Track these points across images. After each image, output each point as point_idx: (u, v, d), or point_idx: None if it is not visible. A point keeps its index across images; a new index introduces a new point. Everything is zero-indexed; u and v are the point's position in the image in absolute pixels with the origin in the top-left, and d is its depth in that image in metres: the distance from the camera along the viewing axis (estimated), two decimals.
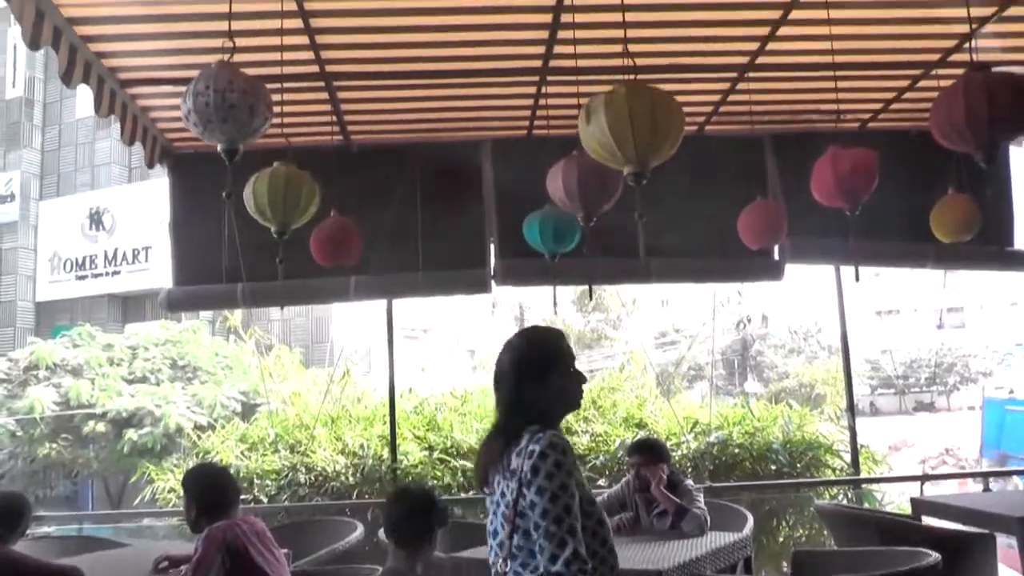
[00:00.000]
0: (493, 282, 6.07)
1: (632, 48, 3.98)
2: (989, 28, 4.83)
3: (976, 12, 4.55)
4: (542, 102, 5.57)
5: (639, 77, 5.10)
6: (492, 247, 6.12)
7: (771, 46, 5.03)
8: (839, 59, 4.91)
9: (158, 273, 17.62)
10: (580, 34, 4.56)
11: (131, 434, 14.03)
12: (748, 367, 38.98)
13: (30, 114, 21.62)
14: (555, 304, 5.65)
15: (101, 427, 14.34)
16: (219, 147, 3.41)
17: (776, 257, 6.19)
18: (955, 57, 5.19)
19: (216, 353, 16.16)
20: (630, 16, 3.98)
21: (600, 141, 3.09)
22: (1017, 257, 6.50)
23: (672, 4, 4.59)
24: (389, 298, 6.36)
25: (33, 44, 4.18)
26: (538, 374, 2.49)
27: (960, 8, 4.28)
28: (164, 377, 15.22)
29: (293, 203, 4.02)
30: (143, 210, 18.54)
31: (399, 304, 6.76)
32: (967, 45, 4.96)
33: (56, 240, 20.47)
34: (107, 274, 19.80)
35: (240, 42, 4.50)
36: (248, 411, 14.74)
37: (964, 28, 4.69)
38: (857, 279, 4.70)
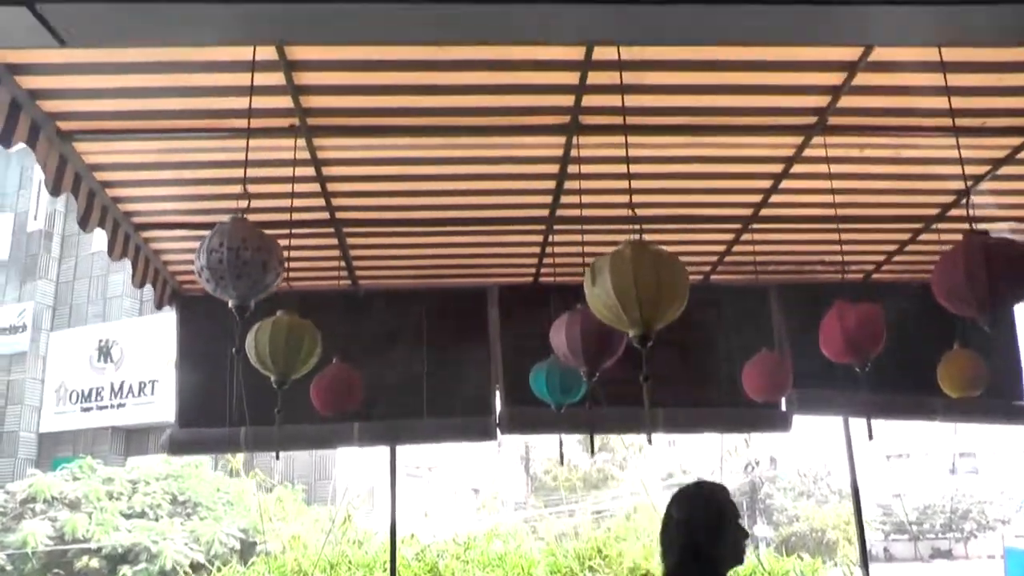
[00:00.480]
0: (499, 430, 6.00)
1: (637, 199, 4.05)
2: (985, 185, 4.91)
3: (970, 170, 4.64)
4: (549, 249, 5.64)
5: (644, 228, 5.22)
6: (498, 394, 6.07)
7: (774, 199, 5.12)
8: (841, 212, 5.00)
9: (163, 406, 17.53)
10: (586, 184, 4.66)
11: (125, 570, 13.67)
12: (757, 510, 38.11)
13: (48, 246, 22.01)
14: (561, 451, 5.56)
15: (95, 563, 13.97)
16: (230, 303, 3.40)
17: (783, 408, 6.12)
18: (954, 212, 5.26)
19: (218, 489, 15.90)
20: (635, 168, 4.06)
21: (605, 303, 3.09)
22: None
23: (676, 157, 4.70)
24: (393, 444, 6.26)
25: (55, 191, 4.29)
26: (713, 528, 2.66)
27: (955, 166, 4.37)
28: (163, 512, 14.92)
29: (294, 353, 3.99)
30: (152, 343, 18.59)
31: None
32: (964, 201, 5.05)
33: (64, 371, 20.49)
34: (112, 406, 19.71)
35: (252, 188, 4.62)
36: (247, 549, 14.40)
37: (960, 184, 4.79)
38: (871, 437, 4.61)
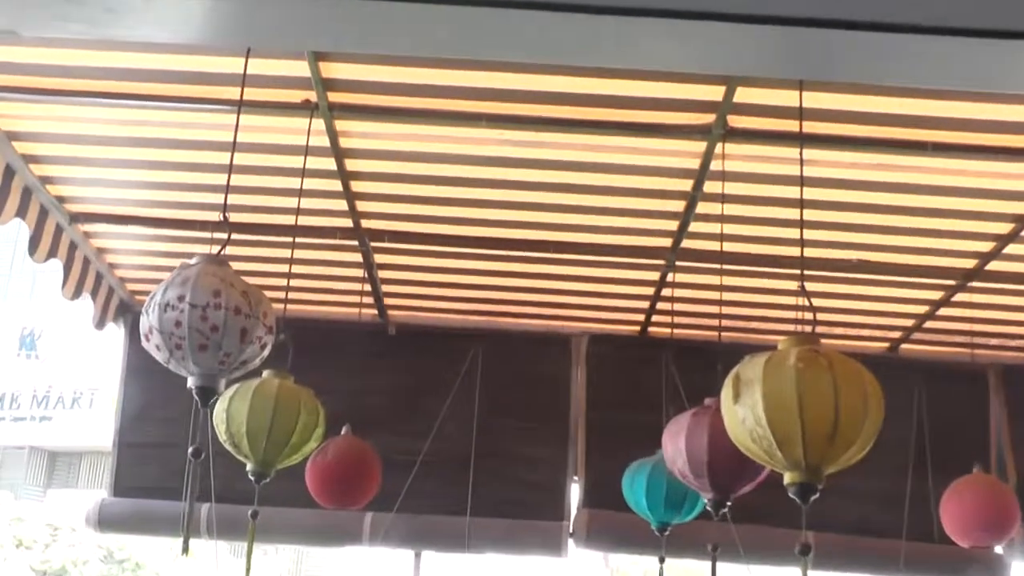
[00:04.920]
0: (572, 541, 5.84)
1: (808, 235, 3.76)
2: None
3: None
4: (667, 292, 5.49)
5: (811, 275, 5.00)
6: (575, 490, 5.93)
7: (1009, 249, 4.86)
8: None
9: (102, 429, 17.56)
10: (730, 209, 4.46)
11: None
12: None
13: None
14: None
15: None
16: (190, 383, 3.18)
17: (1000, 551, 5.84)
18: None
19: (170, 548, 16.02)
20: (808, 191, 3.84)
21: (752, 432, 2.85)
22: None
23: (867, 182, 4.47)
24: (419, 549, 6.13)
25: None
26: None
27: None
28: (93, 572, 15.09)
29: (281, 437, 3.75)
30: (93, 340, 18.61)
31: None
32: None
33: None
34: (33, 419, 19.85)
35: (246, 182, 4.51)
36: None
37: None
38: None
